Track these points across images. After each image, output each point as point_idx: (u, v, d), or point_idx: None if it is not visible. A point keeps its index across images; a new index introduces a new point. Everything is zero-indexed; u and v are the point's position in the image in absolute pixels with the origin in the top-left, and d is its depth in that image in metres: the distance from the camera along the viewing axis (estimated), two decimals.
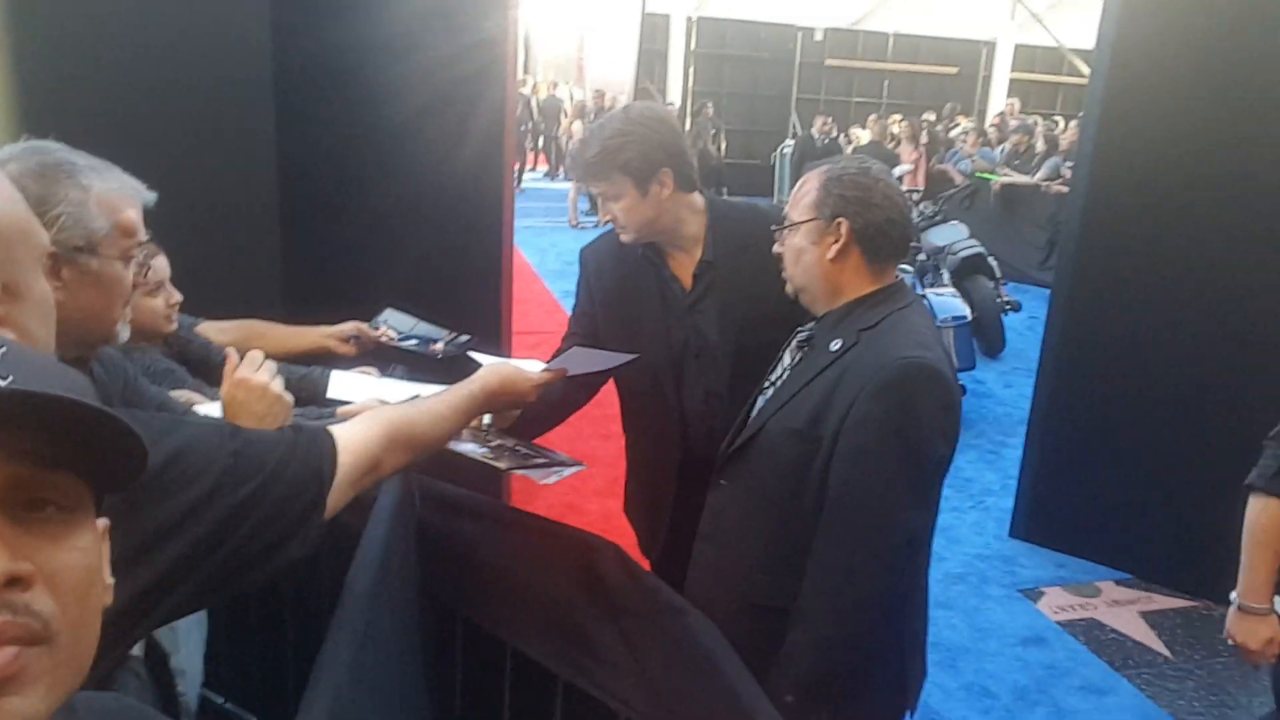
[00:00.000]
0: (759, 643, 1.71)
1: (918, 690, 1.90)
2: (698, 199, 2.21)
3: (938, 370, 1.65)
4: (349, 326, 2.45)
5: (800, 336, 1.90)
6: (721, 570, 1.90)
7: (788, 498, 1.76)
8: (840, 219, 1.75)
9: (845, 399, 1.67)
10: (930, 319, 1.84)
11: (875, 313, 1.75)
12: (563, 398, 2.05)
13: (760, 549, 1.83)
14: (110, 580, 0.64)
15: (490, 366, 1.62)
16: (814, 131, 12.80)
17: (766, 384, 1.94)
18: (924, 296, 6.03)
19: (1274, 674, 2.15)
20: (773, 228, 1.91)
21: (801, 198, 1.82)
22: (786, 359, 1.92)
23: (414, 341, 2.50)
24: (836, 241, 1.76)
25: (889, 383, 1.63)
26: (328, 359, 2.39)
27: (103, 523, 0.65)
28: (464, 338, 2.51)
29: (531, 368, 1.73)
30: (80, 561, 0.60)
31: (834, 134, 13.16)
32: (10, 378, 0.56)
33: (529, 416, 2.01)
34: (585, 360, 2.02)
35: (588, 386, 2.26)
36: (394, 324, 2.52)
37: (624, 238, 2.18)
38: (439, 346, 2.49)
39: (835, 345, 1.75)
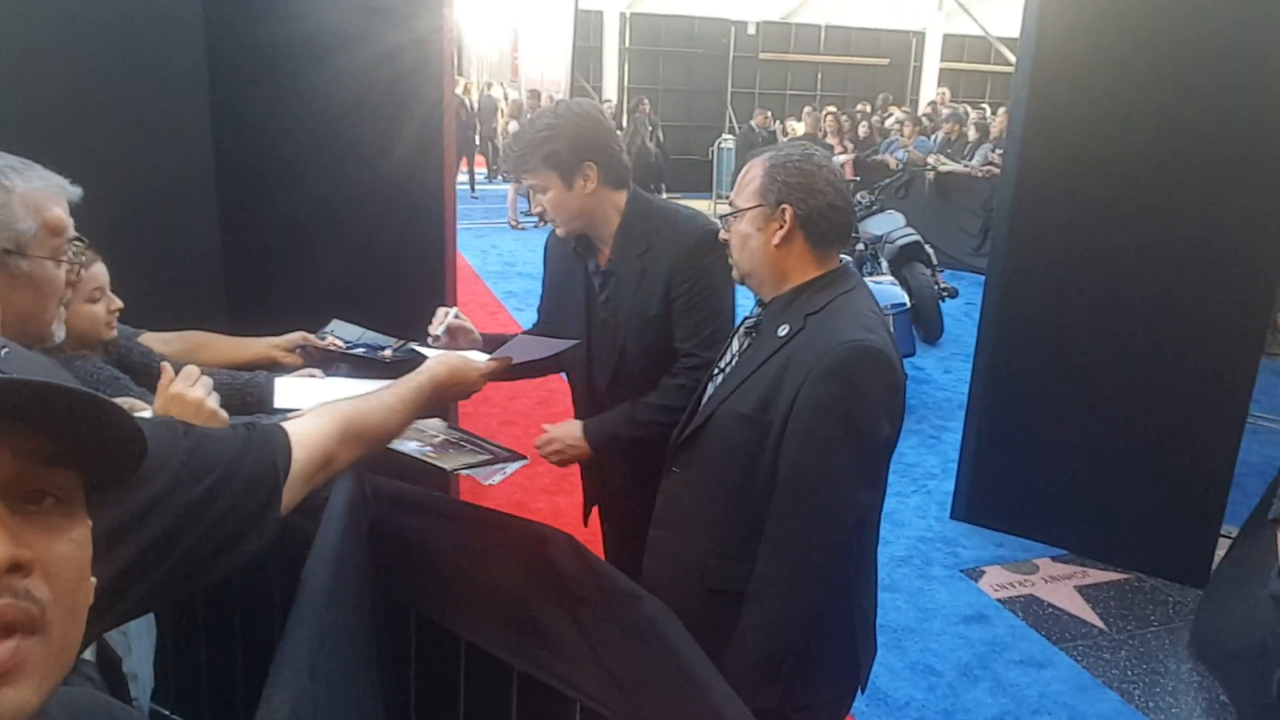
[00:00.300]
0: (716, 627, 1.74)
1: (869, 668, 1.93)
2: (622, 198, 2.25)
3: (882, 352, 1.69)
4: (295, 336, 2.43)
5: (748, 323, 1.93)
6: (677, 556, 1.93)
7: (739, 482, 1.79)
8: (785, 205, 1.78)
9: (793, 383, 1.71)
10: (875, 301, 1.88)
11: (821, 297, 1.79)
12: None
13: (714, 534, 1.86)
14: (93, 580, 0.64)
15: (437, 358, 1.64)
16: (754, 125, 12.91)
17: (716, 370, 1.97)
18: None
19: None
20: (720, 215, 1.95)
21: (746, 184, 1.85)
22: (735, 345, 1.95)
23: (361, 350, 2.49)
24: (781, 228, 1.79)
25: (835, 366, 1.67)
26: (273, 369, 2.37)
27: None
28: (412, 344, 2.51)
29: (478, 358, 1.76)
30: (75, 554, 0.60)
31: (773, 127, 13.29)
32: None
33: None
34: (528, 348, 2.06)
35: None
36: (340, 334, 2.50)
37: (558, 231, 2.27)
38: (387, 353, 2.48)
39: (782, 330, 1.78)
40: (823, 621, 1.76)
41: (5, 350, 0.59)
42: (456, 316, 2.19)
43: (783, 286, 1.84)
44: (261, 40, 2.93)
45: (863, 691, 1.94)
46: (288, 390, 2.17)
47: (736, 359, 1.90)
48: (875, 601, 1.96)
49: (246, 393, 2.14)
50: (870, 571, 1.93)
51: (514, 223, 12.71)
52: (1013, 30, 5.01)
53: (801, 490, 1.70)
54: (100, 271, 1.97)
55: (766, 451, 1.74)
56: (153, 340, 2.21)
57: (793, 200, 1.78)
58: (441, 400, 1.66)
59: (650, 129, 14.74)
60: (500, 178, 16.33)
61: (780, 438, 1.72)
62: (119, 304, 2.02)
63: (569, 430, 2.33)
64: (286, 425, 1.24)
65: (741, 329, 1.95)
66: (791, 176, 1.78)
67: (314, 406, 1.34)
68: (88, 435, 0.59)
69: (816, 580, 1.71)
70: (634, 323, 2.25)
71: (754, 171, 1.84)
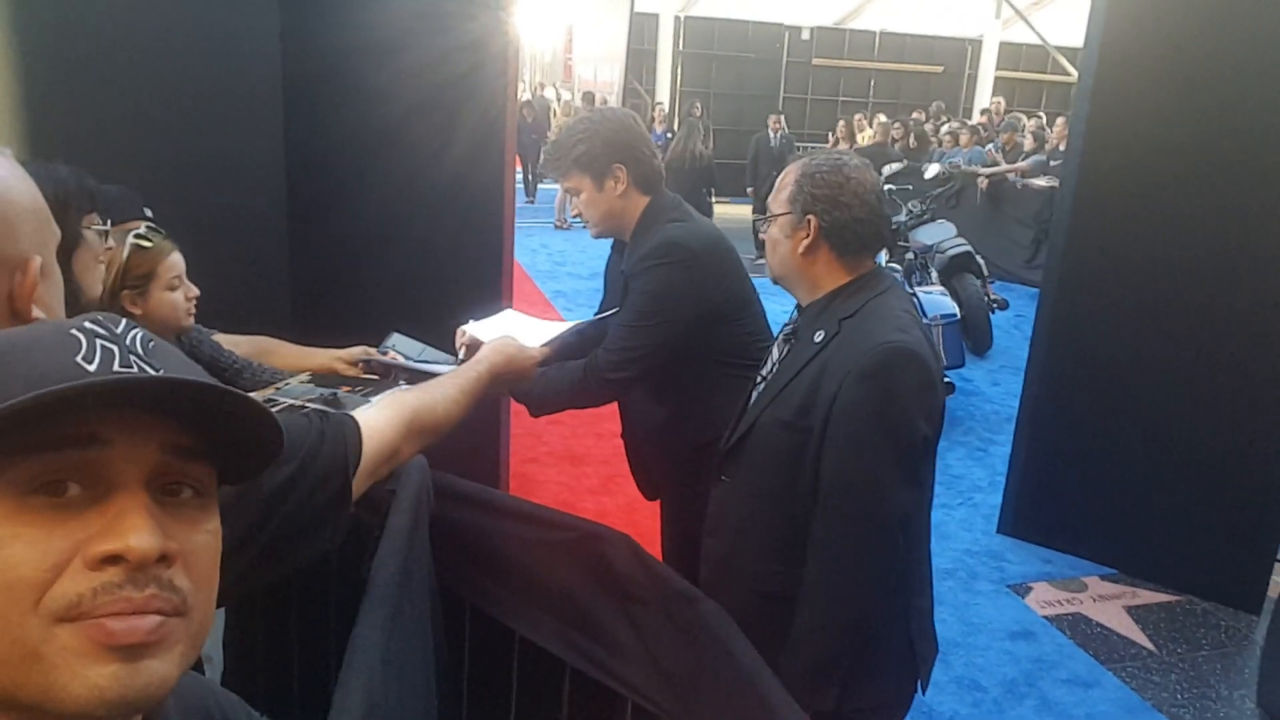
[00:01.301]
0: (771, 631, 1.75)
1: (930, 667, 1.93)
2: (644, 204, 2.31)
3: (915, 352, 1.70)
4: (357, 350, 2.47)
5: (786, 330, 1.96)
6: (729, 562, 1.95)
7: (784, 488, 1.81)
8: (810, 215, 1.80)
9: (830, 388, 1.72)
10: (908, 300, 1.88)
11: (853, 301, 1.80)
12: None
13: (763, 540, 1.88)
14: None
15: (492, 346, 1.69)
16: (769, 131, 12.59)
17: (759, 378, 1.99)
18: (913, 295, 6.10)
19: None
20: (754, 218, 1.99)
21: (781, 189, 1.88)
22: (775, 353, 1.97)
23: (422, 365, 2.54)
24: (806, 237, 1.81)
25: (870, 369, 1.68)
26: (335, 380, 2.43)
27: None
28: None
29: (530, 345, 1.81)
30: (210, 544, 0.63)
31: (785, 132, 12.87)
32: (162, 370, 0.59)
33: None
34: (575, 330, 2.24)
35: None
36: (401, 349, 2.55)
37: (592, 232, 2.37)
38: (445, 370, 2.54)
39: (818, 336, 1.80)
40: (875, 622, 1.77)
41: (152, 344, 0.61)
42: (464, 333, 2.27)
43: (815, 293, 1.86)
44: (334, 50, 3.00)
45: (924, 692, 1.93)
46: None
47: (777, 366, 1.93)
48: (931, 601, 1.96)
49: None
50: (923, 570, 1.93)
51: (560, 223, 12.77)
52: (1070, 39, 4.95)
53: (843, 494, 1.72)
54: (178, 260, 2.04)
55: (808, 457, 1.76)
56: (222, 341, 2.28)
57: (817, 211, 1.80)
58: (497, 388, 1.70)
59: (703, 133, 14.65)
60: (547, 178, 16.43)
61: (820, 443, 1.74)
62: (196, 291, 2.08)
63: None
64: (359, 416, 1.27)
65: (780, 336, 1.98)
66: (818, 188, 1.80)
67: (381, 396, 1.37)
68: (233, 433, 0.62)
69: (864, 581, 1.73)
70: None
71: (789, 177, 1.87)
